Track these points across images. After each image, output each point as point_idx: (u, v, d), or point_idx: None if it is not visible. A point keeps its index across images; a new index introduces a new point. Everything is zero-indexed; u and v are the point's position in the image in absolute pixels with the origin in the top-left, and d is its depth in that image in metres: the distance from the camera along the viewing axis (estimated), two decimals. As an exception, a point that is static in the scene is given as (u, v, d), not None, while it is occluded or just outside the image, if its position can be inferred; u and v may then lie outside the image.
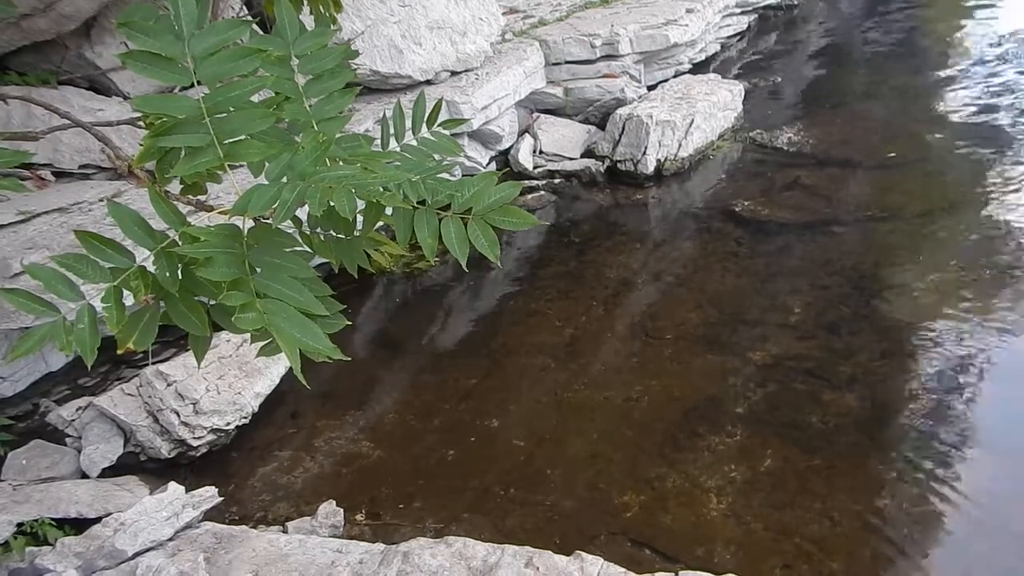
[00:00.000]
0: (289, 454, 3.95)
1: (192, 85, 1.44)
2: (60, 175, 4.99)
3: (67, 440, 3.94)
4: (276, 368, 4.19)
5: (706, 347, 4.42)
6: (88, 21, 5.16)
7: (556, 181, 6.80)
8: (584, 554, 2.74)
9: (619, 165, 6.80)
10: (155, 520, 3.04)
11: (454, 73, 6.74)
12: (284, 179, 1.37)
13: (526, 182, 6.66)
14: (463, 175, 6.24)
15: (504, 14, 7.74)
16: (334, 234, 1.64)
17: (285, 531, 3.32)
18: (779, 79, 8.70)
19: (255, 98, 1.49)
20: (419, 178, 1.44)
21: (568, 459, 3.74)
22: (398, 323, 5.17)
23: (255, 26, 1.65)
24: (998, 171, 6.01)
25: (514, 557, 2.74)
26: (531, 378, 4.34)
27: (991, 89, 7.62)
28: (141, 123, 1.99)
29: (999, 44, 8.90)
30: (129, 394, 3.95)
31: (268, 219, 1.37)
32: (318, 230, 1.63)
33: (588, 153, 7.12)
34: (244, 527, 3.27)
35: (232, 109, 1.45)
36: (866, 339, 4.30)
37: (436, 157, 1.80)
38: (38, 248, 3.98)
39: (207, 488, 3.35)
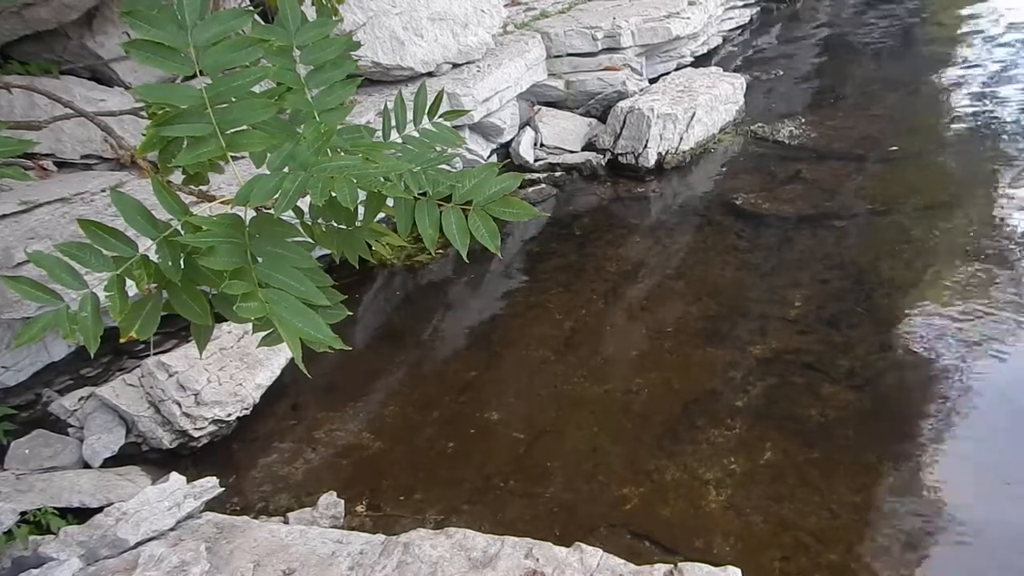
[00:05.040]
0: (290, 445, 3.96)
1: (195, 75, 1.44)
2: (62, 165, 4.99)
3: (69, 430, 3.95)
4: (277, 359, 4.20)
5: (706, 340, 4.43)
6: (90, 11, 5.15)
7: (557, 174, 6.79)
8: (584, 545, 2.75)
9: (620, 158, 6.80)
10: (157, 510, 3.06)
11: (455, 65, 6.72)
12: (286, 169, 1.38)
13: (527, 175, 6.65)
14: (464, 168, 6.24)
15: (506, 6, 7.72)
16: (335, 224, 1.64)
17: (286, 522, 3.33)
18: (781, 72, 8.68)
19: (257, 88, 1.49)
20: (420, 169, 1.44)
21: (568, 451, 3.75)
22: (399, 315, 5.18)
23: (257, 16, 1.65)
24: (1000, 165, 6.01)
25: (514, 548, 2.75)
26: (531, 370, 4.35)
27: (993, 82, 7.61)
28: (143, 113, 2.00)
29: (1001, 37, 8.88)
30: (131, 384, 3.97)
31: (270, 209, 1.38)
32: (320, 220, 1.64)
33: (589, 146, 7.12)
34: (245, 517, 3.28)
35: (234, 99, 1.45)
36: (866, 333, 4.30)
37: (437, 148, 1.80)
38: (40, 238, 3.99)
39: (208, 479, 3.36)
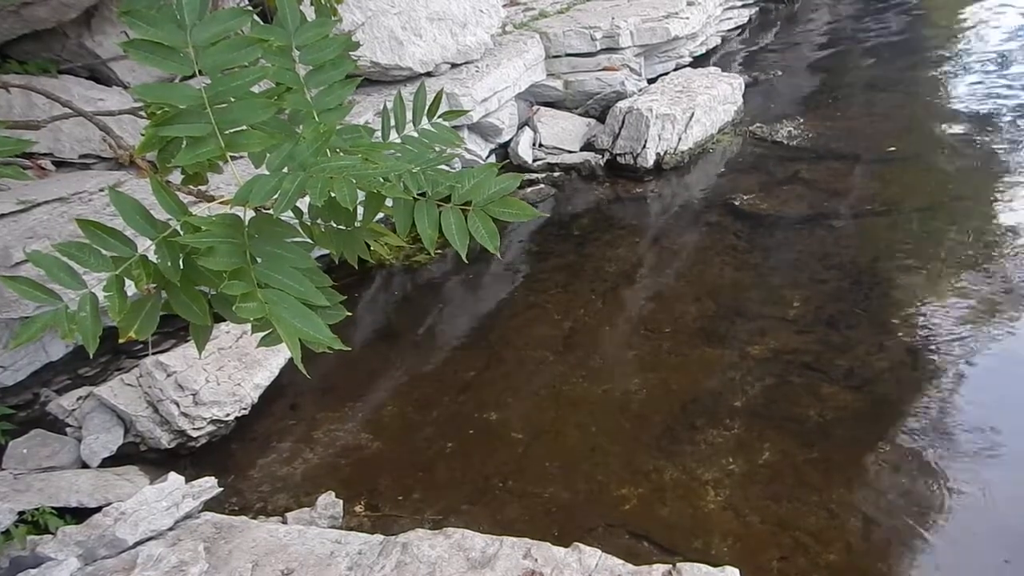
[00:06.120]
0: (288, 445, 3.96)
1: (193, 74, 1.44)
2: (60, 165, 4.98)
3: (67, 430, 3.95)
4: (275, 359, 4.20)
5: (704, 340, 4.43)
6: (88, 10, 5.15)
7: (556, 174, 6.79)
8: (582, 546, 2.75)
9: (619, 158, 6.80)
10: (155, 510, 3.05)
11: (454, 65, 6.72)
12: (285, 169, 1.38)
13: (526, 175, 6.65)
14: (463, 168, 6.24)
15: (504, 6, 7.72)
16: (335, 225, 1.64)
17: (284, 522, 3.33)
18: (779, 73, 8.69)
19: (256, 88, 1.49)
20: (419, 169, 1.44)
21: (566, 452, 3.75)
22: (398, 315, 5.17)
23: (256, 16, 1.65)
24: (998, 166, 6.01)
25: (512, 548, 2.75)
26: (530, 371, 4.35)
27: (992, 83, 7.61)
28: (142, 113, 1.99)
29: (1000, 38, 8.89)
30: (129, 384, 3.96)
31: (269, 209, 1.38)
32: (319, 221, 1.63)
33: (588, 146, 7.12)
34: (244, 517, 3.28)
35: (233, 99, 1.45)
36: (864, 333, 4.31)
37: (436, 148, 1.80)
38: (39, 238, 3.98)
39: (207, 479, 3.35)
